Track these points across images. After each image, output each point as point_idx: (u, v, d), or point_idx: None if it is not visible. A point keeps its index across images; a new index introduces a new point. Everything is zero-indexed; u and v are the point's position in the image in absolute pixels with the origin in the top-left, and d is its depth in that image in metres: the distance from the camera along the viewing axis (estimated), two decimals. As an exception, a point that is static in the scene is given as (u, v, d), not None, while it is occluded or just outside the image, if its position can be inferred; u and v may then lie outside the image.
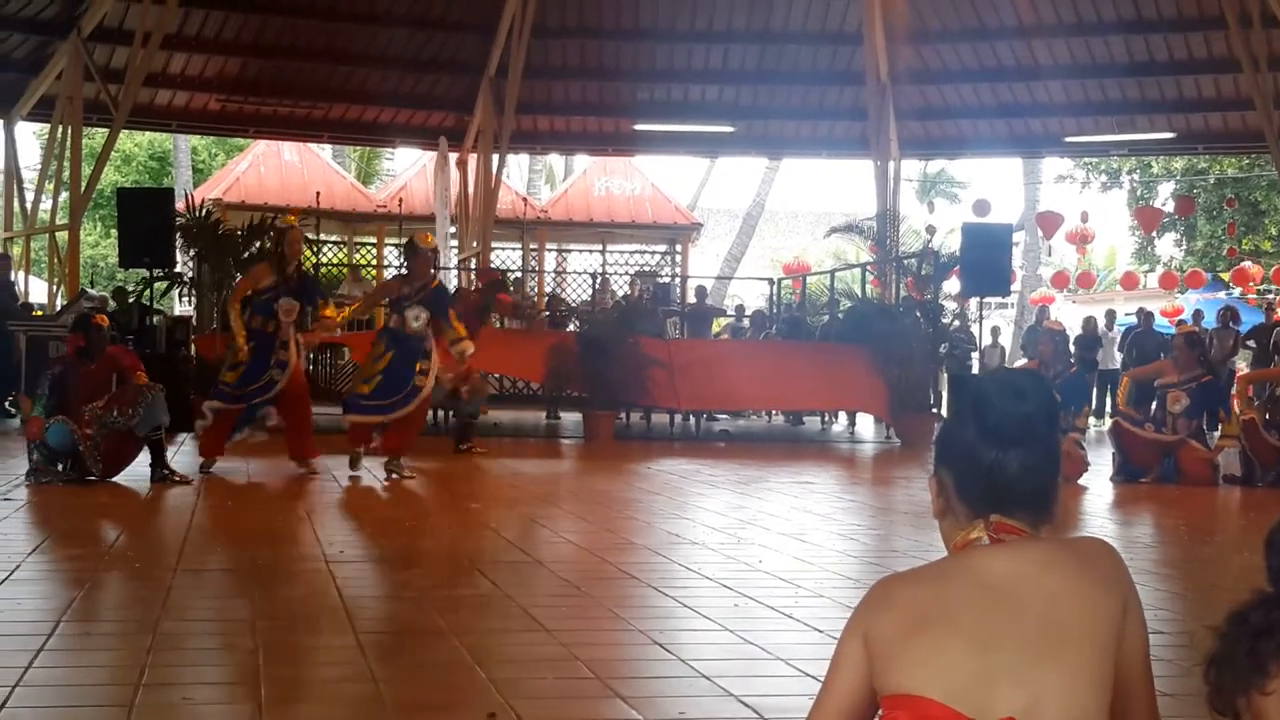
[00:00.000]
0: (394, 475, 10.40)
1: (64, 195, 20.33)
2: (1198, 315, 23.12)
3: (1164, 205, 35.53)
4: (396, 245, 25.72)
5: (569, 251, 28.65)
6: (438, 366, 10.62)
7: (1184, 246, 38.22)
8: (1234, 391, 12.84)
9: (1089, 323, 23.24)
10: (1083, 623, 1.98)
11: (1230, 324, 20.95)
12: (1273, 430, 12.09)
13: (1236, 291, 28.59)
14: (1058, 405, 2.17)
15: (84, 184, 19.85)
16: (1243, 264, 29.83)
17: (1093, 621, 1.99)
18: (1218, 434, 12.52)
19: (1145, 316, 22.37)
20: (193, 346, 16.55)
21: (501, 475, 11.26)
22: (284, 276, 10.56)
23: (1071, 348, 15.09)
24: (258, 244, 17.65)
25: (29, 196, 21.25)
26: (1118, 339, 22.68)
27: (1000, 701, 1.93)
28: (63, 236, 19.78)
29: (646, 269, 26.93)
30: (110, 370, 9.76)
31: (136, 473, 10.57)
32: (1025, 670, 1.94)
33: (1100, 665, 1.98)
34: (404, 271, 11.08)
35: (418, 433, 10.98)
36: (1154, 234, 35.87)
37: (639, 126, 24.03)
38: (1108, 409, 22.27)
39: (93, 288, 27.57)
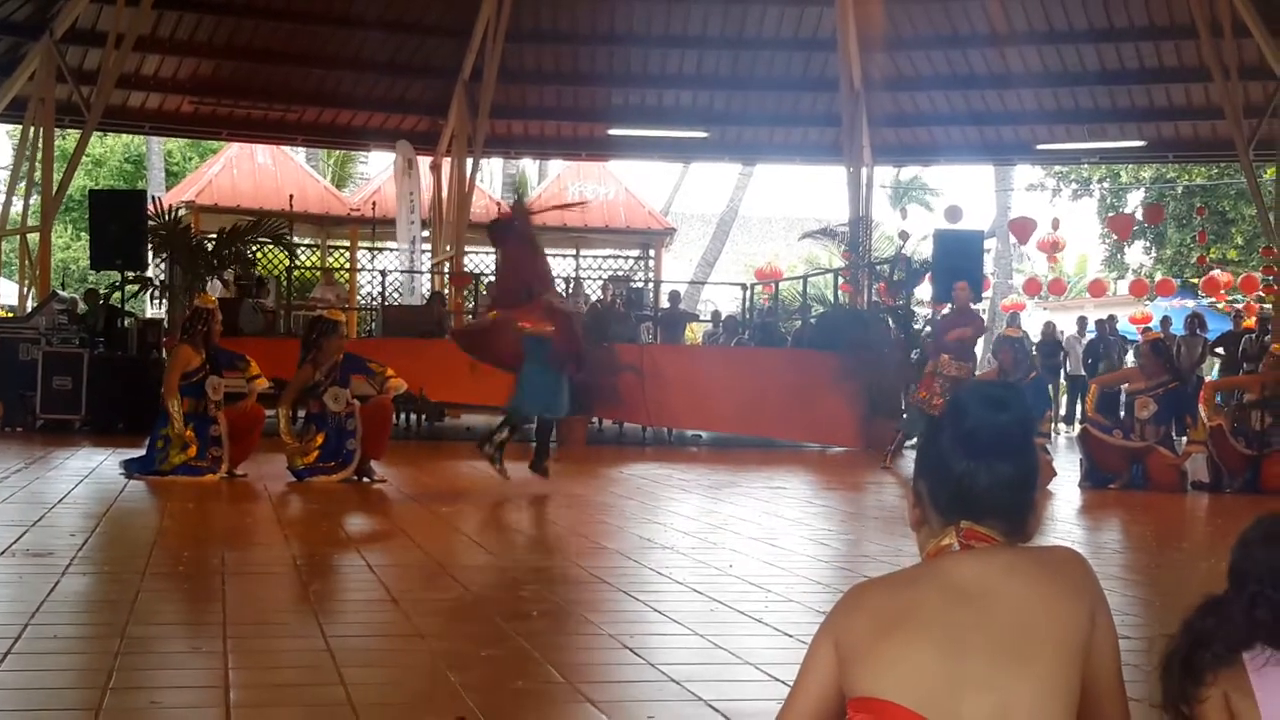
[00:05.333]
0: (367, 479, 10.50)
1: (35, 197, 20.23)
2: (1166, 322, 23.26)
3: (1133, 213, 35.72)
4: (370, 249, 25.74)
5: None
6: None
7: (1153, 254, 38.44)
8: (1201, 397, 12.87)
9: (1048, 328, 23.39)
10: (1051, 630, 1.99)
11: (1198, 331, 21.11)
12: (1240, 437, 12.21)
13: (1206, 299, 28.75)
14: (1035, 418, 2.19)
15: (55, 186, 19.75)
16: (1211, 272, 30.02)
17: (1061, 629, 1.99)
18: (1185, 440, 12.57)
19: (1101, 325, 22.55)
20: (164, 349, 16.47)
21: (473, 479, 11.24)
22: (209, 355, 10.64)
23: (1033, 352, 15.09)
24: (228, 250, 17.65)
25: (0, 198, 21.13)
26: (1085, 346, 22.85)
27: (967, 708, 1.93)
28: (34, 238, 19.68)
29: (620, 274, 26.94)
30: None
31: (106, 476, 10.53)
32: (993, 677, 1.95)
33: (1068, 673, 1.98)
34: (312, 355, 10.72)
35: (388, 436, 11.05)
36: (1124, 242, 36.05)
37: (613, 131, 24.05)
38: (1077, 415, 22.42)
39: (64, 290, 27.44)
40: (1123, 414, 12.94)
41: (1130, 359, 20.85)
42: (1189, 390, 12.99)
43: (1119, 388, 13.45)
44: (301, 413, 11.15)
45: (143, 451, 10.64)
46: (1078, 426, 22.82)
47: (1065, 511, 10.39)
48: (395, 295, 22.26)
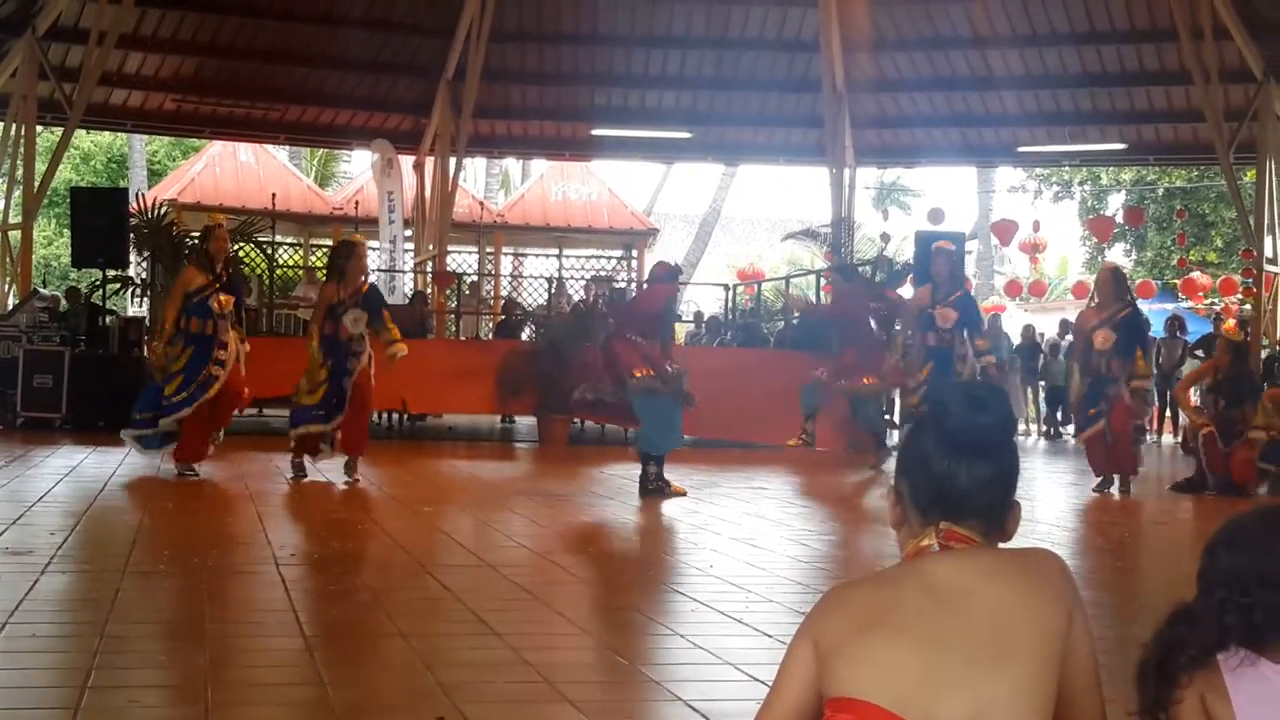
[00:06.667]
0: (353, 479, 10.51)
1: (17, 194, 20.16)
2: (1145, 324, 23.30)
3: (1114, 216, 35.83)
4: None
5: (525, 256, 28.64)
6: None
7: (1134, 257, 38.57)
8: (1180, 401, 12.81)
9: (1028, 331, 23.42)
10: (1028, 632, 1.99)
11: (1178, 333, 21.18)
12: (1222, 440, 12.17)
13: (1185, 302, 28.87)
14: (1016, 420, 2.20)
15: (37, 183, 19.69)
16: (1191, 274, 30.13)
17: (1038, 631, 2.00)
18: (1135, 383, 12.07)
19: (1063, 326, 22.63)
20: (145, 348, 16.43)
21: (454, 478, 11.25)
22: (214, 275, 10.57)
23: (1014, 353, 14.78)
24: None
25: (-19, 195, 21.05)
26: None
27: (944, 708, 1.94)
28: (15, 235, 19.60)
29: (603, 274, 26.93)
30: None
31: (87, 474, 10.51)
32: (970, 678, 1.95)
33: (1045, 675, 1.99)
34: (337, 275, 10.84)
35: (367, 432, 11.07)
36: (1105, 244, 36.15)
37: (596, 131, 24.05)
38: (1058, 422, 22.54)
39: (45, 287, 27.33)
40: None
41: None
42: (1144, 315, 12.54)
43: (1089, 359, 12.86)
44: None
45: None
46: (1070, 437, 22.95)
47: (1047, 514, 10.42)
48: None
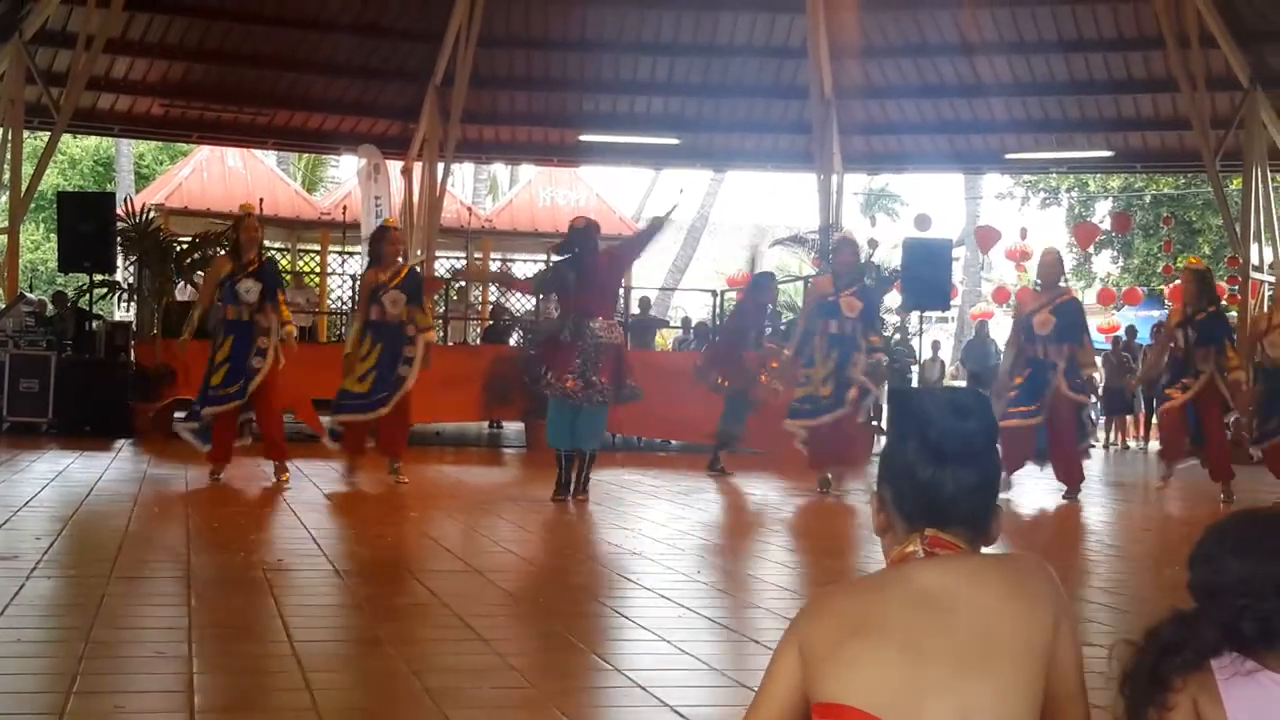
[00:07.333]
0: (400, 480, 10.73)
1: (3, 198, 20.11)
2: (1131, 331, 23.40)
3: (1101, 222, 35.94)
4: (340, 252, 25.67)
5: (513, 261, 28.63)
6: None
7: (1121, 263, 38.69)
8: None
9: (982, 328, 23.42)
10: (1014, 638, 1.99)
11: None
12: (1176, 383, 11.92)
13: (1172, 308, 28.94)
14: (997, 427, 2.19)
15: (24, 187, 19.64)
16: (1178, 281, 30.20)
17: (1024, 637, 2.00)
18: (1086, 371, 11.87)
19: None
20: (132, 353, 16.41)
21: (442, 483, 11.24)
22: (242, 264, 10.62)
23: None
24: (199, 253, 17.58)
25: (-33, 199, 21.01)
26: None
27: (929, 714, 1.94)
28: (2, 240, 19.54)
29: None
30: None
31: (73, 479, 10.48)
32: (955, 684, 1.95)
33: (1031, 681, 1.99)
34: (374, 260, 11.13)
35: (408, 430, 11.21)
36: (1091, 251, 36.24)
37: (584, 137, 24.04)
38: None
39: (31, 291, 27.26)
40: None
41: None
42: (1078, 301, 12.39)
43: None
44: None
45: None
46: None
47: (1027, 516, 10.45)
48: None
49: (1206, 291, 12.02)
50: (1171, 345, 12.08)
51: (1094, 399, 11.95)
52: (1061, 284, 12.07)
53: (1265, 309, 12.20)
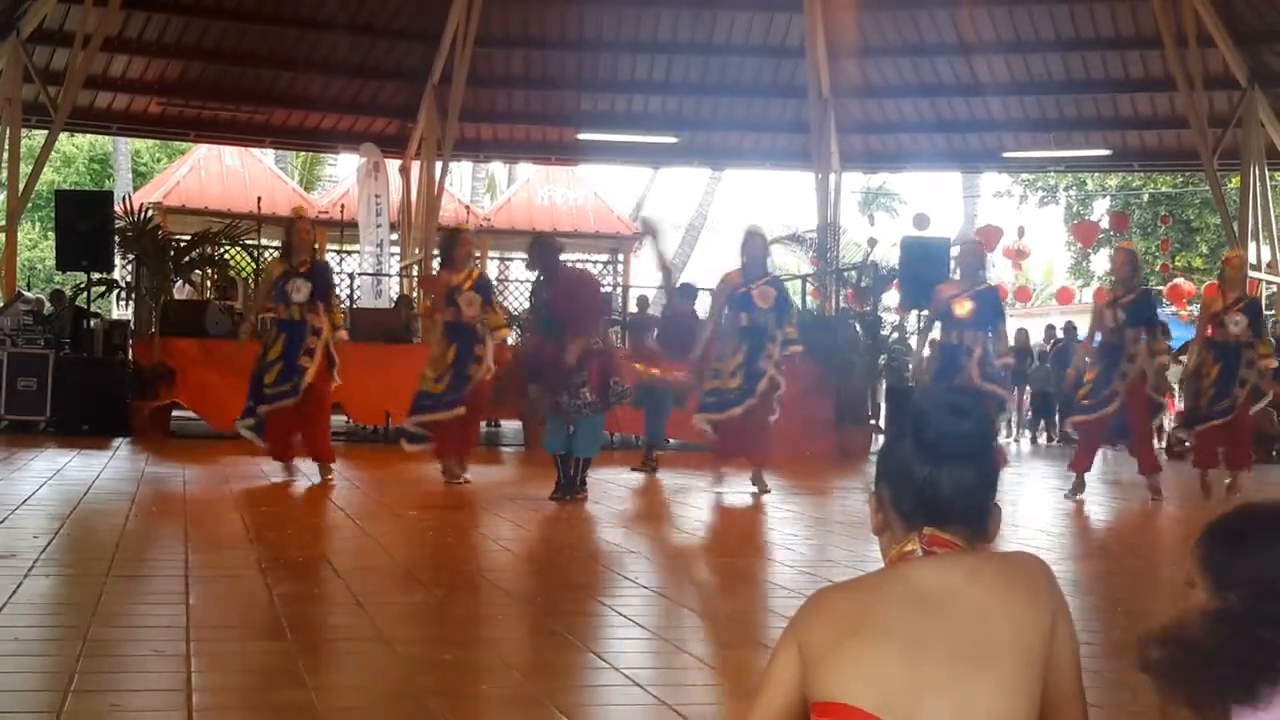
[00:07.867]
0: (465, 479, 10.95)
1: (1, 196, 20.10)
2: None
3: (1099, 221, 35.97)
4: (338, 251, 25.66)
5: (511, 260, 28.62)
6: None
7: (1119, 262, 38.67)
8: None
9: (1021, 336, 23.39)
10: (1011, 636, 2.00)
11: (1162, 339, 21.21)
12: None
13: (1170, 308, 28.97)
14: (995, 426, 2.20)
15: (22, 185, 19.63)
16: (1176, 280, 30.23)
17: (1021, 635, 2.00)
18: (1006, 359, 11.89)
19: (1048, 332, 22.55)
20: (130, 351, 16.39)
21: (439, 482, 11.22)
22: (292, 266, 10.73)
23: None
24: (197, 252, 17.58)
25: (-36, 197, 21.00)
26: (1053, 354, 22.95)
27: (927, 713, 1.94)
28: (0, 238, 19.57)
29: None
30: None
31: (71, 477, 10.48)
32: (953, 682, 1.96)
33: (1028, 679, 1.99)
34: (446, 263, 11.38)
35: (479, 428, 11.31)
36: (1090, 249, 36.27)
37: (582, 136, 24.04)
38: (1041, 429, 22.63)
39: (30, 290, 27.25)
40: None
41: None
42: (996, 289, 12.36)
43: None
44: None
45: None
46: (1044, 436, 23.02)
47: (1017, 518, 10.44)
48: (358, 296, 22.17)
49: (1137, 273, 11.99)
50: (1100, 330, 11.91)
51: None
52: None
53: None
